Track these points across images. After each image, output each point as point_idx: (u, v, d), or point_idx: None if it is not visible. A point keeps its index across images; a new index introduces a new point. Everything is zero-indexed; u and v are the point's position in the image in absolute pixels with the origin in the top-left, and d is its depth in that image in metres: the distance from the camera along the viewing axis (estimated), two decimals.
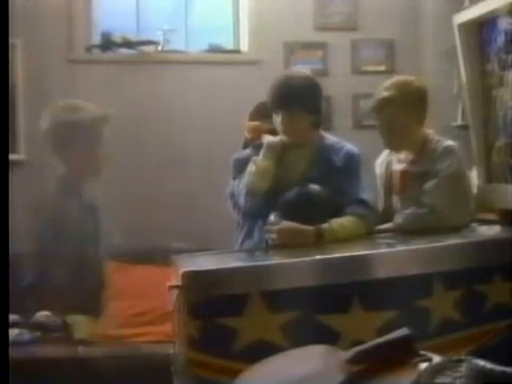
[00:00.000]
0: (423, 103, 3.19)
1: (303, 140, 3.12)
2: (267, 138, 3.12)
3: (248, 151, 3.21)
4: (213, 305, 2.38)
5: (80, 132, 2.82)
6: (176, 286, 2.42)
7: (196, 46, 5.40)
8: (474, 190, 3.44)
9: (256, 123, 3.51)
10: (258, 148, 3.12)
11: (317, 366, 1.47)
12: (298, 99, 3.01)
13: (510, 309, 2.57)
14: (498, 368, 1.25)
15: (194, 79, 5.18)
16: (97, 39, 5.26)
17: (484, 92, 3.65)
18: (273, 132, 3.15)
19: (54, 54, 5.02)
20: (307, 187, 2.97)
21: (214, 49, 5.37)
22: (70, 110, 2.86)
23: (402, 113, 3.12)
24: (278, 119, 3.07)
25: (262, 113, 3.36)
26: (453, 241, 2.78)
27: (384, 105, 3.14)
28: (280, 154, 3.08)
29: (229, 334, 2.37)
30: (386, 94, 3.14)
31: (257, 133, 3.33)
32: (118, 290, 4.62)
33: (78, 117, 2.82)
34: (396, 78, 3.26)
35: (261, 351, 1.86)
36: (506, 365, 1.27)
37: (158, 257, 4.13)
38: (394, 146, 3.24)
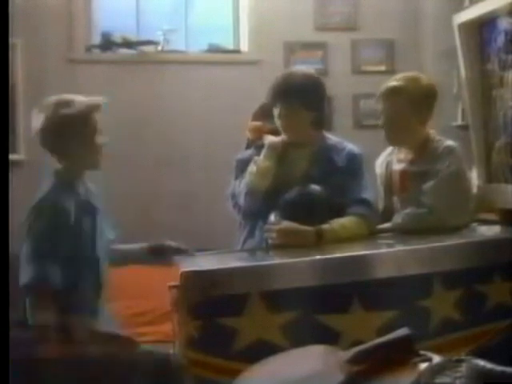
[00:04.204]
0: (430, 102, 3.17)
1: (304, 139, 3.12)
2: (269, 138, 3.12)
3: (250, 151, 3.21)
4: (213, 305, 2.38)
5: (75, 124, 2.83)
6: (176, 286, 2.42)
7: (196, 46, 5.40)
8: (474, 190, 3.44)
9: (258, 123, 3.51)
10: (260, 148, 3.13)
11: (317, 366, 1.47)
12: (296, 93, 3.01)
13: (510, 309, 2.57)
14: (498, 368, 1.26)
15: (194, 79, 5.18)
16: (97, 39, 5.26)
17: (484, 92, 3.66)
18: (275, 132, 3.16)
19: (54, 53, 5.02)
20: (308, 187, 2.96)
21: (214, 49, 5.37)
22: (62, 105, 2.86)
23: (408, 105, 3.09)
24: (276, 113, 3.07)
25: (265, 113, 3.36)
26: (453, 241, 2.78)
27: (393, 93, 3.12)
28: (281, 153, 3.08)
29: (229, 334, 2.37)
30: (397, 83, 3.14)
31: (259, 133, 3.34)
32: (117, 290, 4.63)
33: (71, 110, 2.83)
34: (409, 73, 3.25)
35: (261, 351, 1.87)
36: (506, 365, 1.27)
37: None
38: (395, 140, 3.21)
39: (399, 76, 3.20)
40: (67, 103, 2.86)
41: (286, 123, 3.07)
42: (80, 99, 2.88)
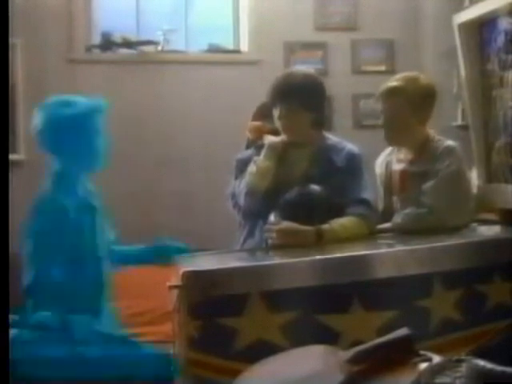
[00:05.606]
0: (430, 102, 3.17)
1: (304, 139, 3.11)
2: (268, 138, 3.12)
3: (250, 151, 3.22)
4: (213, 305, 2.37)
5: (75, 125, 2.82)
6: (176, 286, 2.42)
7: (196, 46, 5.40)
8: (474, 190, 3.44)
9: (258, 123, 3.51)
10: (260, 148, 3.13)
11: (317, 366, 1.47)
12: (296, 94, 3.01)
13: (510, 309, 2.57)
14: (498, 368, 1.25)
15: (194, 79, 5.18)
16: (97, 39, 5.27)
17: (484, 92, 3.66)
18: (275, 132, 3.16)
19: (54, 53, 5.02)
20: (308, 187, 2.96)
21: (214, 49, 5.38)
22: (63, 105, 2.86)
23: (407, 105, 3.10)
24: (276, 114, 3.07)
25: (264, 113, 3.36)
26: (453, 241, 2.78)
27: (392, 93, 3.12)
28: (281, 154, 3.08)
29: (229, 334, 2.37)
30: (396, 83, 3.14)
31: (259, 133, 3.34)
32: (118, 290, 4.63)
33: (72, 110, 2.83)
34: (408, 73, 3.25)
35: (261, 351, 1.86)
36: (506, 365, 1.27)
37: None
38: (394, 140, 3.21)
39: (399, 76, 3.20)
40: (68, 104, 2.86)
41: (287, 124, 3.07)
42: (81, 100, 2.88)
